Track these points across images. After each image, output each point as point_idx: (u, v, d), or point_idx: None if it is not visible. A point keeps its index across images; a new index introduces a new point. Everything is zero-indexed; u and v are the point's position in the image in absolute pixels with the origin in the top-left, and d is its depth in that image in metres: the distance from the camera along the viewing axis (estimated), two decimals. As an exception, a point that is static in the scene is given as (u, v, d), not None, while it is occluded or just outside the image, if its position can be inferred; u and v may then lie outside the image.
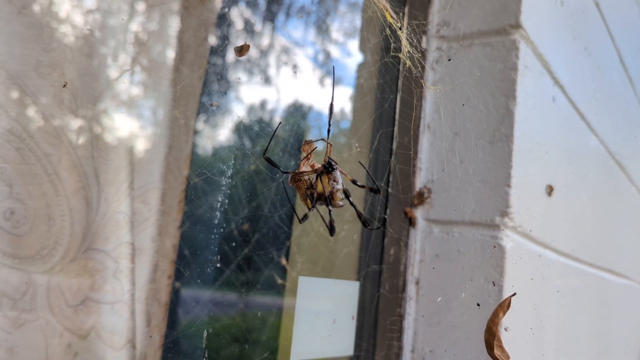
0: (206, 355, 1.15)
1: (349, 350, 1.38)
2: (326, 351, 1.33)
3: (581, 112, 1.84)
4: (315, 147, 0.87)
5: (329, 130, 0.86)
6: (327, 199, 0.85)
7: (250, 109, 1.28)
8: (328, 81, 1.45)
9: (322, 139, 0.86)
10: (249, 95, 1.26)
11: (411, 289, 1.42)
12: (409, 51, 1.20)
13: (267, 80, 1.31)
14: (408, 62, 1.20)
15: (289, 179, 0.89)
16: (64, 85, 0.84)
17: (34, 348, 0.88)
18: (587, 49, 1.91)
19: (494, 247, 1.30)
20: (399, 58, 1.21)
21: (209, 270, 1.17)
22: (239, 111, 1.24)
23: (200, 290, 1.17)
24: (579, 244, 1.87)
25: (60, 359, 0.90)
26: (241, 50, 0.93)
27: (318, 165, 0.85)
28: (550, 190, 1.56)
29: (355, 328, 1.39)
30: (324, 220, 0.89)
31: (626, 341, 2.61)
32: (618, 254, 2.44)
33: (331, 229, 0.86)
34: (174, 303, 1.10)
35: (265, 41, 1.31)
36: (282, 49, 1.35)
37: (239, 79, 1.23)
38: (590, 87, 1.97)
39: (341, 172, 0.86)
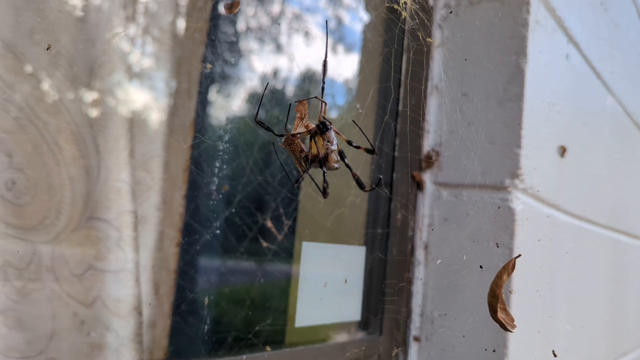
0: (214, 321, 1.16)
1: (356, 316, 1.38)
2: (332, 317, 1.33)
3: (597, 70, 1.78)
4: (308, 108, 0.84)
5: (323, 89, 0.84)
6: (322, 161, 0.83)
7: (260, 76, 1.25)
8: (340, 47, 1.42)
9: (316, 97, 0.84)
10: (260, 64, 1.24)
11: (420, 254, 1.41)
12: (414, 9, 1.15)
13: (278, 48, 1.28)
14: (414, 21, 1.16)
15: (283, 141, 0.87)
16: (48, 48, 0.82)
17: (41, 317, 0.88)
18: (603, 4, 1.84)
19: (503, 209, 1.28)
20: (404, 16, 1.17)
21: (216, 238, 1.17)
22: (250, 80, 1.22)
23: (208, 258, 1.17)
24: (593, 206, 1.83)
25: (67, 327, 0.91)
26: (231, 7, 0.90)
27: (312, 126, 0.83)
28: (563, 151, 1.52)
29: (363, 293, 1.39)
30: (315, 183, 0.87)
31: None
32: (634, 216, 2.40)
33: (324, 192, 0.84)
34: (183, 271, 1.10)
35: (275, 8, 1.28)
36: (294, 16, 1.31)
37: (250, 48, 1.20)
38: (607, 44, 1.90)
39: (336, 132, 0.83)
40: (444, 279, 1.36)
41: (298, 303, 1.21)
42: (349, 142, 0.85)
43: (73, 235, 0.92)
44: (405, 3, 1.04)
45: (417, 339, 1.40)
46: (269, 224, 1.23)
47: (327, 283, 1.27)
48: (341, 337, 1.37)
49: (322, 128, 0.81)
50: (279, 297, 1.29)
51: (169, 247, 1.09)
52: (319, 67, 1.31)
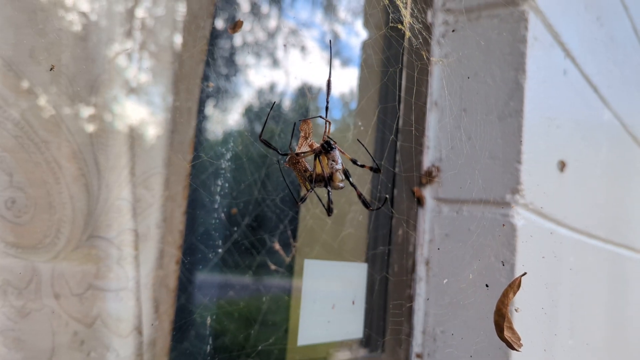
0: (215, 340, 1.14)
1: (359, 333, 1.37)
2: (335, 335, 1.32)
3: (594, 84, 1.79)
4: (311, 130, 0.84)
5: (327, 108, 0.84)
6: (327, 180, 0.82)
7: (259, 93, 1.26)
8: (336, 62, 1.42)
9: (320, 116, 0.84)
10: (257, 79, 1.24)
11: (421, 270, 1.40)
12: (412, 26, 1.16)
13: (275, 63, 1.29)
14: (412, 38, 1.16)
15: (287, 160, 0.87)
16: (51, 69, 0.82)
17: (41, 337, 0.87)
18: (599, 19, 1.86)
19: (504, 225, 1.28)
20: (403, 33, 1.17)
21: (216, 255, 1.16)
22: (247, 95, 1.22)
23: (208, 275, 1.16)
24: (593, 220, 1.83)
25: (66, 347, 0.90)
26: (234, 27, 0.90)
27: (317, 145, 0.83)
28: (562, 165, 1.52)
29: (365, 310, 1.38)
30: (321, 201, 0.86)
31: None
32: (634, 229, 2.40)
33: (329, 210, 0.83)
34: (183, 288, 1.09)
35: (272, 23, 1.29)
36: (290, 31, 1.32)
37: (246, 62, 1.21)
38: (603, 58, 1.92)
39: (340, 151, 0.83)
40: (446, 296, 1.36)
41: (300, 321, 1.20)
42: (354, 161, 0.85)
43: (73, 254, 0.91)
44: (412, 27, 1.05)
45: (419, 356, 1.38)
46: (277, 246, 1.23)
47: (328, 301, 1.27)
48: (343, 355, 1.36)
49: (327, 147, 0.81)
50: (281, 315, 1.28)
51: (169, 264, 1.08)
52: (315, 81, 1.32)
